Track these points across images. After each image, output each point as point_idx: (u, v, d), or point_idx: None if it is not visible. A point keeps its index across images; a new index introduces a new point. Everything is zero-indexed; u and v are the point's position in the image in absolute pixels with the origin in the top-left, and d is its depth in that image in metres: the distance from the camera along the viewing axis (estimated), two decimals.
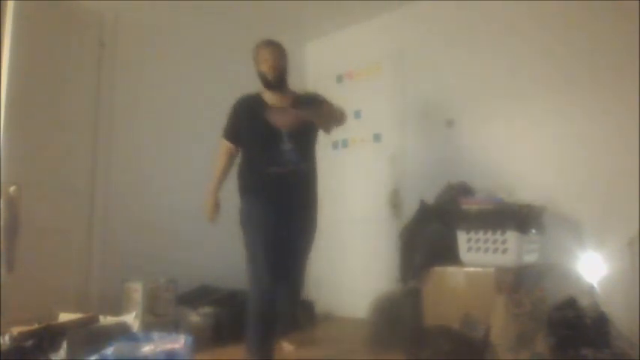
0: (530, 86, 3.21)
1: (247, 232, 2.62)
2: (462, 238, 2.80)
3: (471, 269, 2.72)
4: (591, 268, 2.73)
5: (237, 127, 2.74)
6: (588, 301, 2.55)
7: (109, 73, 3.18)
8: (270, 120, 2.63)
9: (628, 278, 2.57)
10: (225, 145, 2.77)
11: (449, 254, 2.83)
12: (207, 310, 3.09)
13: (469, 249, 2.77)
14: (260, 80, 2.71)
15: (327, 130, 2.75)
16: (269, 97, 2.70)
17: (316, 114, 2.53)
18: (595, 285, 2.67)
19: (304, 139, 2.68)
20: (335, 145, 4.22)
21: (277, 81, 2.68)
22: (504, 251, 2.65)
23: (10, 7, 2.64)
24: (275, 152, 2.59)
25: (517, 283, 2.56)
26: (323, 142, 3.04)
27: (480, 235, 2.73)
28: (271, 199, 2.61)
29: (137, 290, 2.81)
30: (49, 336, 1.89)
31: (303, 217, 2.72)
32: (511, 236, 2.63)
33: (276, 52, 2.70)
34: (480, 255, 2.72)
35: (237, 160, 2.77)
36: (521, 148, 3.23)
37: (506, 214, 2.68)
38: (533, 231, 2.75)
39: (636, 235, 2.58)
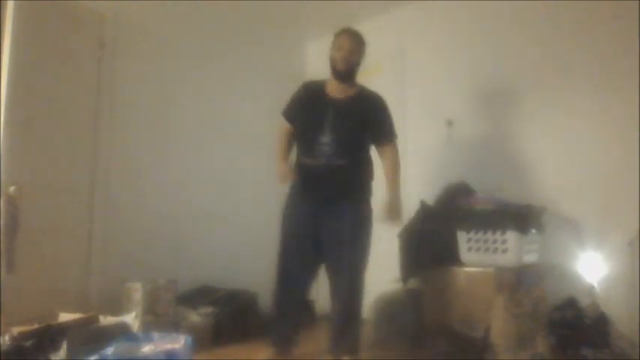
0: (530, 86, 3.21)
1: (282, 222, 2.68)
2: (462, 238, 2.80)
3: (471, 269, 2.72)
4: (591, 268, 2.73)
5: (294, 108, 2.71)
6: (588, 301, 2.56)
7: (109, 73, 3.18)
8: (320, 108, 2.58)
9: (628, 278, 2.57)
10: (284, 125, 2.75)
11: (449, 254, 2.83)
12: (207, 310, 3.09)
13: (469, 249, 2.77)
14: (330, 65, 2.63)
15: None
16: (332, 86, 2.65)
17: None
18: (595, 285, 2.67)
19: (348, 133, 2.54)
20: None
21: (345, 73, 2.61)
22: (504, 251, 2.65)
23: (10, 7, 2.64)
24: (311, 143, 2.54)
25: (517, 283, 2.56)
26: None
27: (480, 235, 2.73)
28: (306, 193, 2.61)
29: (137, 290, 2.80)
30: (49, 336, 1.89)
31: (340, 218, 2.52)
32: (511, 236, 2.63)
33: (353, 42, 2.61)
34: (480, 255, 2.72)
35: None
36: (521, 148, 3.22)
37: (506, 214, 2.68)
38: (533, 231, 2.75)
39: (636, 235, 2.58)
